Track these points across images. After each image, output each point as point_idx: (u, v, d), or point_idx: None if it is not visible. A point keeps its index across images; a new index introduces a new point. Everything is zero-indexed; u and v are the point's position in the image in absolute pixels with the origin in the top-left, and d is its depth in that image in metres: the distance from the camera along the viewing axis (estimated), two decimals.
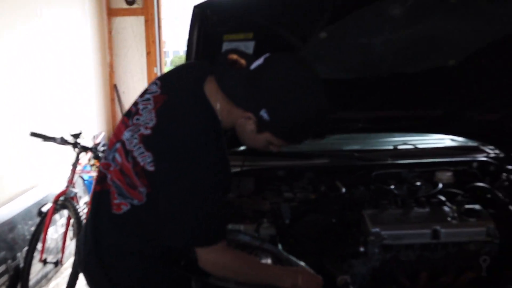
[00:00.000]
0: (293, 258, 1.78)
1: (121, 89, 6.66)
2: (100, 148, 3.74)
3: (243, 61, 1.53)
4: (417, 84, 2.48)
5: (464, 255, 1.99)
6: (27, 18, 4.37)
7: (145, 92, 1.66)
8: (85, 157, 4.17)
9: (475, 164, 2.65)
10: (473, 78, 2.44)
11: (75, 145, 3.63)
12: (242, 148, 2.68)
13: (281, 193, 2.41)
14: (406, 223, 2.05)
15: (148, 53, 6.60)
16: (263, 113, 1.44)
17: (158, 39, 6.65)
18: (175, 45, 18.53)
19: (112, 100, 6.64)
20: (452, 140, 3.01)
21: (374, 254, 1.97)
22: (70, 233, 3.83)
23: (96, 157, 3.96)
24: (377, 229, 1.99)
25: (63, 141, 3.56)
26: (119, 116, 6.71)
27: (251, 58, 1.56)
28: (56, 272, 3.93)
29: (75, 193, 3.59)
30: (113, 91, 6.60)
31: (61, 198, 3.58)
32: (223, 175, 1.53)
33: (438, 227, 2.00)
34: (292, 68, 1.50)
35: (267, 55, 1.52)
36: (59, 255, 3.78)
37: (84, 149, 3.67)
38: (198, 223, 1.50)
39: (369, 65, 2.30)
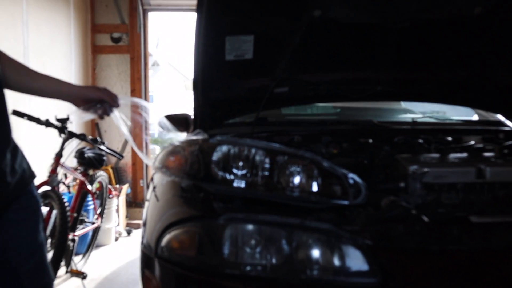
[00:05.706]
0: None
1: (103, 127, 6.31)
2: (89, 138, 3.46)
3: None
4: (439, 40, 2.33)
5: None
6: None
7: None
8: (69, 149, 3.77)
9: (501, 135, 2.47)
10: (499, 31, 2.28)
11: (62, 129, 3.32)
12: (250, 119, 2.47)
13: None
14: (446, 162, 1.82)
15: (132, 91, 6.36)
16: None
17: (143, 76, 6.44)
18: None
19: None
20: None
21: (415, 190, 1.73)
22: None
23: (81, 157, 3.67)
24: (415, 166, 1.76)
25: (49, 124, 3.26)
26: None
27: None
28: None
29: (59, 182, 3.25)
30: (94, 130, 6.24)
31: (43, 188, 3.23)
32: None
33: (482, 166, 1.78)
34: None
35: None
36: None
37: (72, 135, 3.37)
38: None
39: (390, 8, 2.13)
